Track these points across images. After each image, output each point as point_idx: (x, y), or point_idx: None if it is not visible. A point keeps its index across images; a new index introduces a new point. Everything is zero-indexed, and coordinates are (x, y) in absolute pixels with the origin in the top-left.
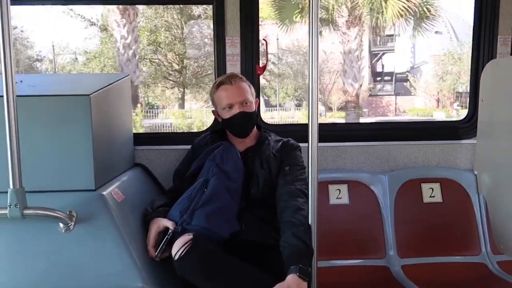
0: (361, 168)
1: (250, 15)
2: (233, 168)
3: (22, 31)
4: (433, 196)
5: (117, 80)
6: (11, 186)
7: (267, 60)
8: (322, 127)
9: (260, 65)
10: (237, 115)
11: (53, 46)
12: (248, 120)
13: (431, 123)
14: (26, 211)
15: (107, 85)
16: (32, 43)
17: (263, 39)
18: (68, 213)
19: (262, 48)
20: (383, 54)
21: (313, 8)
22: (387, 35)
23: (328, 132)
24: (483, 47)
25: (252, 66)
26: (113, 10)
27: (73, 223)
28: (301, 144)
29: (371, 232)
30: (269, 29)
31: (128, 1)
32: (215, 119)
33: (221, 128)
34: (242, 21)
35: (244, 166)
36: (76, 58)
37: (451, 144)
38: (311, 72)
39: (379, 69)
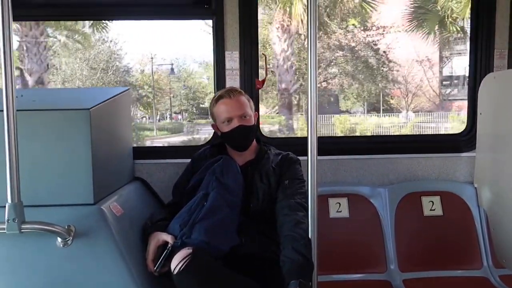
0: (361, 181)
1: (249, 30)
2: (233, 181)
3: (115, 42)
4: (434, 209)
5: (117, 94)
6: (9, 200)
7: (266, 75)
8: (321, 140)
9: (260, 79)
10: (236, 129)
11: (152, 58)
12: (247, 133)
13: (431, 136)
14: (24, 226)
15: (107, 99)
16: (123, 55)
17: (263, 54)
18: (66, 227)
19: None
20: (452, 57)
21: (311, 16)
22: (457, 38)
23: (328, 146)
24: (480, 60)
25: (251, 80)
26: (273, 28)
27: (71, 238)
28: (301, 158)
29: (371, 245)
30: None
31: (126, 16)
32: (215, 133)
33: (220, 142)
34: (242, 36)
35: (243, 179)
36: (172, 69)
37: (450, 157)
38: (310, 84)
39: (447, 73)
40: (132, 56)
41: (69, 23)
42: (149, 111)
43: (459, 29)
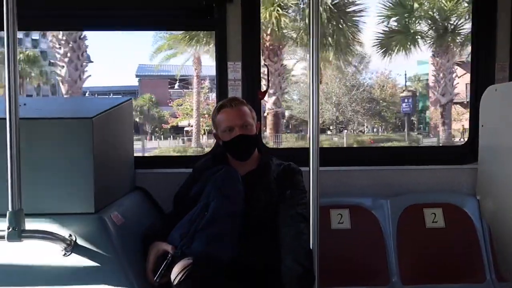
0: (362, 192)
1: (251, 41)
2: (234, 191)
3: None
4: (436, 221)
5: (120, 104)
6: (10, 208)
7: (268, 85)
8: (323, 151)
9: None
10: (236, 138)
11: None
12: (247, 142)
13: (433, 148)
14: (24, 234)
15: (110, 109)
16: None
17: (265, 64)
18: (67, 236)
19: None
20: None
21: (313, 22)
22: None
23: (329, 156)
24: (482, 72)
25: (253, 91)
26: None
27: (71, 247)
28: (302, 168)
29: (373, 258)
30: None
31: (131, 27)
32: (216, 142)
33: (222, 152)
34: (244, 46)
35: (245, 190)
36: None
37: (453, 168)
38: (311, 94)
39: None
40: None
41: None
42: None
43: None
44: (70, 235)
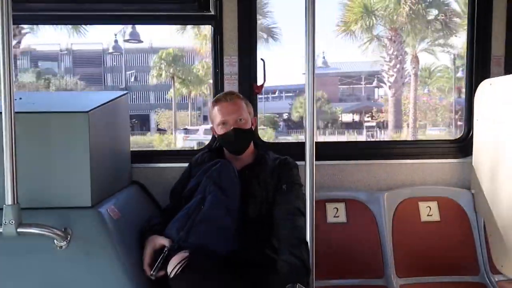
0: (358, 186)
1: (248, 36)
2: (230, 186)
3: None
4: (431, 215)
5: (116, 98)
6: (6, 202)
7: (264, 80)
8: (319, 145)
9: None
10: (230, 132)
11: None
12: (241, 136)
13: (428, 142)
14: (20, 229)
15: (106, 103)
16: None
17: (261, 59)
18: (63, 230)
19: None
20: None
21: (309, 17)
22: None
23: (325, 150)
24: (477, 66)
25: (249, 85)
26: None
27: (68, 241)
28: (298, 162)
29: (369, 251)
30: None
31: (128, 21)
32: (213, 136)
33: (218, 146)
34: (240, 41)
35: (241, 184)
36: None
37: (448, 162)
38: (308, 87)
39: None
40: None
41: None
42: None
43: None
44: (67, 229)
